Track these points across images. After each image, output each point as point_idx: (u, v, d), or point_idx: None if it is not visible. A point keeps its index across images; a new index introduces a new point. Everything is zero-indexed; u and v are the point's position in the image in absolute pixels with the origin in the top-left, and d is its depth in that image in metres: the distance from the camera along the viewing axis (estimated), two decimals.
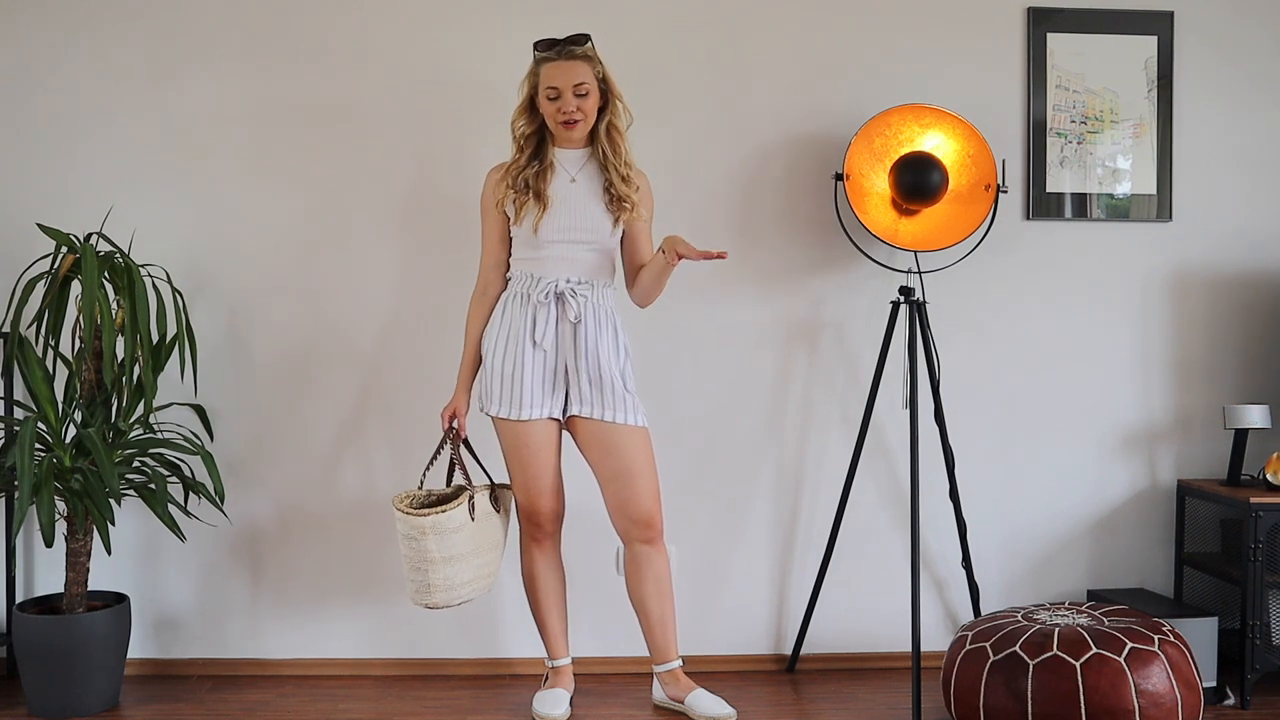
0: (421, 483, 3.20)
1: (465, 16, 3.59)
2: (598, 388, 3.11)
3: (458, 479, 3.19)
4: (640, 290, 3.25)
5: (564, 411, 3.16)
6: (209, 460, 3.37)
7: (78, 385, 3.32)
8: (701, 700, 3.19)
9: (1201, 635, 3.34)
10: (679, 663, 3.27)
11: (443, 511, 3.02)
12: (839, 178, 3.49)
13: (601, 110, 3.16)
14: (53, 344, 3.31)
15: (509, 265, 3.22)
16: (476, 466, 3.25)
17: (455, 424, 3.19)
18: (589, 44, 3.14)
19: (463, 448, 3.21)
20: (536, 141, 3.17)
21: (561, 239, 3.12)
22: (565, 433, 3.21)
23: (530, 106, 3.16)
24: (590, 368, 3.10)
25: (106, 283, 3.28)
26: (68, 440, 3.32)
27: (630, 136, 3.22)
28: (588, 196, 3.15)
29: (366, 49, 3.58)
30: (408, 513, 3.04)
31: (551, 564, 3.28)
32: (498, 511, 3.20)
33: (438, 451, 3.21)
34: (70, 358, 3.35)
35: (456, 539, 3.05)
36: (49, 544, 3.10)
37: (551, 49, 3.12)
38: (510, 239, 3.21)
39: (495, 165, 3.23)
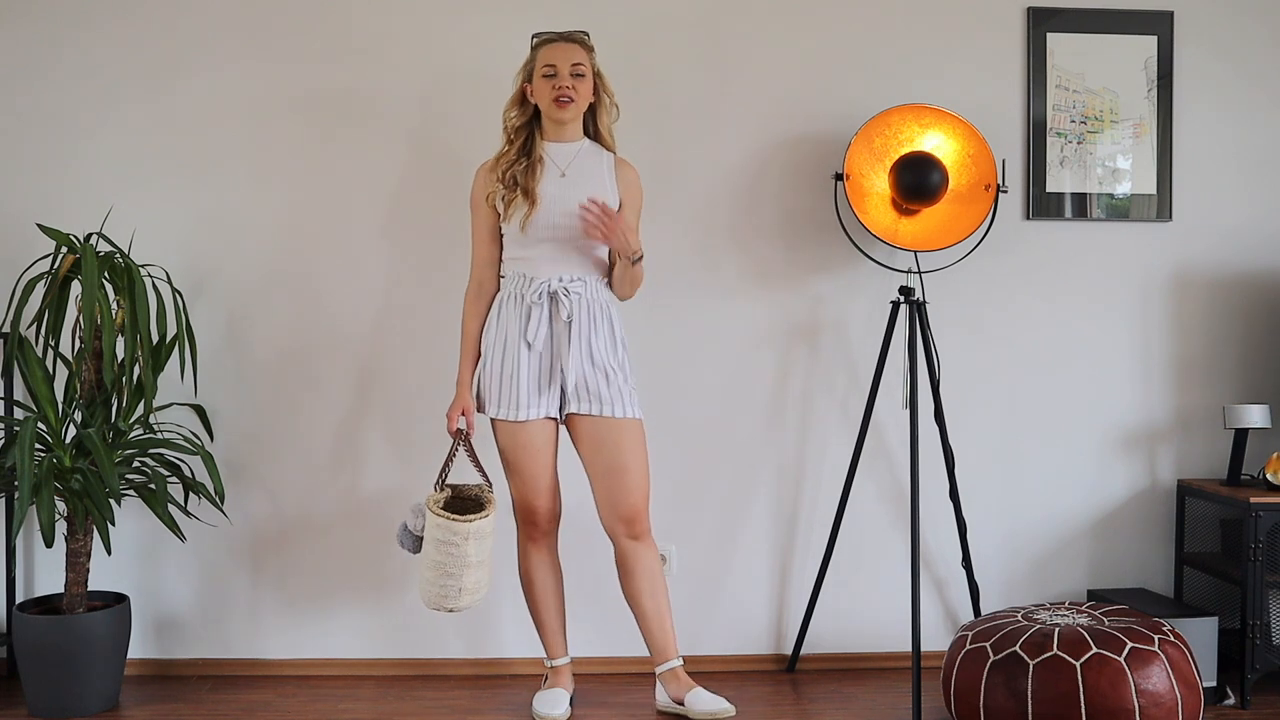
0: (440, 484, 3.20)
1: (465, 12, 3.58)
2: (593, 383, 3.11)
3: (474, 477, 3.21)
4: (615, 284, 3.22)
5: (561, 410, 3.16)
6: (209, 460, 3.37)
7: (78, 385, 3.32)
8: (700, 698, 3.18)
9: (1201, 635, 3.34)
10: (679, 661, 3.25)
11: (484, 517, 3.07)
12: (839, 178, 3.49)
13: (594, 106, 3.18)
14: (53, 344, 3.31)
15: (501, 263, 3.22)
16: (472, 466, 3.25)
17: (466, 422, 3.19)
18: (588, 38, 3.17)
19: (466, 446, 3.22)
20: (526, 135, 3.18)
21: (551, 236, 3.12)
22: (562, 431, 3.21)
23: (522, 99, 3.18)
24: (584, 364, 3.11)
25: (106, 283, 3.28)
26: (68, 440, 3.32)
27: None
28: (579, 191, 3.13)
29: (366, 46, 3.58)
30: (451, 518, 3.04)
31: (548, 563, 3.28)
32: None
33: (453, 452, 3.20)
34: (70, 358, 3.35)
35: (488, 543, 3.11)
36: (49, 544, 3.10)
37: (552, 35, 3.16)
38: (501, 235, 3.21)
39: (484, 162, 3.23)
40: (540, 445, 3.15)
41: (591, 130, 3.22)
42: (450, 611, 3.11)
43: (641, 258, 3.14)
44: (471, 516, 3.05)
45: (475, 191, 3.23)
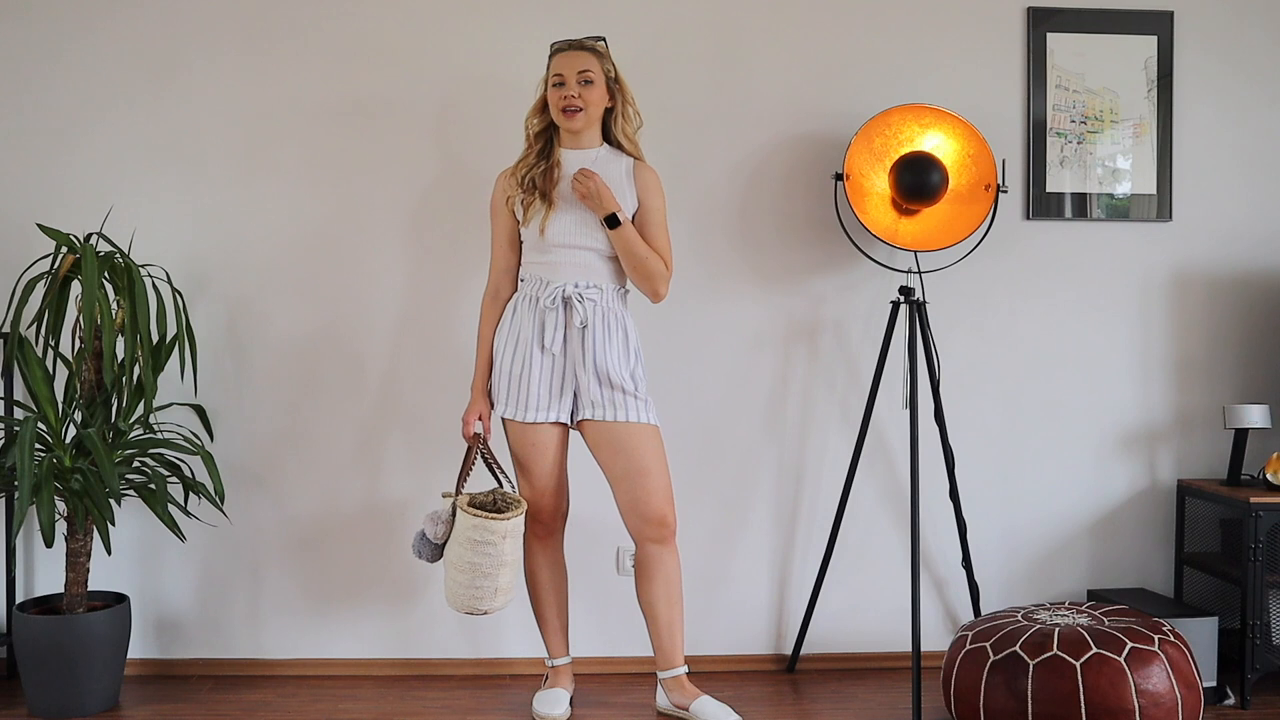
0: (459, 489, 3.20)
1: (474, 15, 3.58)
2: (606, 390, 3.11)
3: (487, 485, 3.22)
4: (627, 273, 3.16)
5: (573, 416, 3.16)
6: (209, 460, 3.37)
7: (78, 385, 3.32)
8: (707, 707, 3.15)
9: (1201, 635, 3.34)
10: (684, 669, 3.23)
11: (519, 515, 3.08)
12: (839, 178, 3.49)
13: (612, 112, 3.17)
14: (53, 344, 3.31)
15: (519, 269, 3.23)
16: (487, 469, 3.26)
17: (481, 427, 3.20)
18: (602, 42, 3.17)
19: (483, 450, 3.22)
20: (545, 140, 3.18)
21: (568, 242, 3.12)
22: (574, 433, 3.21)
23: (544, 106, 3.18)
24: (599, 372, 3.10)
25: (106, 283, 3.28)
26: (68, 440, 3.32)
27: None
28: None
29: (371, 47, 3.58)
30: (489, 517, 3.04)
31: (553, 561, 3.28)
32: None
33: (470, 458, 3.21)
34: (70, 358, 3.35)
35: (519, 541, 3.12)
36: (49, 544, 3.10)
37: (564, 43, 3.15)
38: (520, 242, 3.22)
39: (505, 169, 3.24)
40: (547, 444, 3.15)
41: (609, 135, 3.21)
42: (484, 614, 3.10)
43: (619, 223, 3.06)
44: (506, 515, 3.06)
45: (495, 197, 3.23)
